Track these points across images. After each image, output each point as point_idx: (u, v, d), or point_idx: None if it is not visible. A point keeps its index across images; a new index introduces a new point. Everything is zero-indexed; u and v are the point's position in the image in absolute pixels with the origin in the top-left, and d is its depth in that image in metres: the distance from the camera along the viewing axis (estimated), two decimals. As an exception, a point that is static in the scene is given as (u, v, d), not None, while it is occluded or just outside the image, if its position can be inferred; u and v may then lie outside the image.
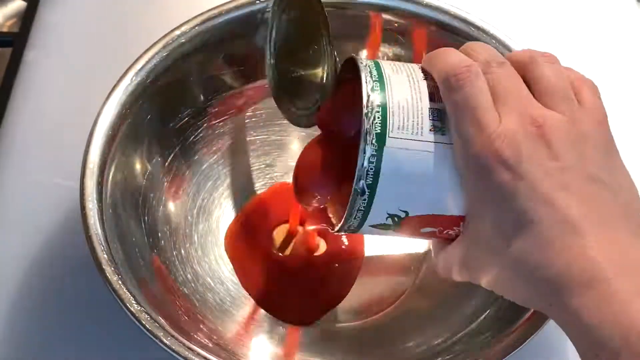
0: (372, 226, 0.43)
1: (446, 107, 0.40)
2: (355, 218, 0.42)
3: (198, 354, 0.43)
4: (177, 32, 0.54)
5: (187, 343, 0.43)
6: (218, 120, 0.58)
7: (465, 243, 0.41)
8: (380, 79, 0.41)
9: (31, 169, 0.60)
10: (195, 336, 0.47)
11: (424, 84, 0.41)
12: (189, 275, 0.54)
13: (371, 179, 0.40)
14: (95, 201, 0.47)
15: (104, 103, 0.51)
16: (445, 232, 0.42)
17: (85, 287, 0.51)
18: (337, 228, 0.44)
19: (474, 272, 0.41)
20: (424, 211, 0.41)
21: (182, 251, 0.55)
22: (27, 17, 0.67)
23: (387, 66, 0.42)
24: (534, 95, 0.40)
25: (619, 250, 0.36)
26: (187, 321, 0.50)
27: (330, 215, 0.46)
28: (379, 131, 0.40)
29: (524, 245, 0.37)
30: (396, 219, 0.42)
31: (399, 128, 0.40)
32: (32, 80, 0.64)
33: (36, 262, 0.55)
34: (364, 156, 0.40)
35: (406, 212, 0.41)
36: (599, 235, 0.36)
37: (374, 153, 0.40)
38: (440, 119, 0.40)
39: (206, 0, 0.57)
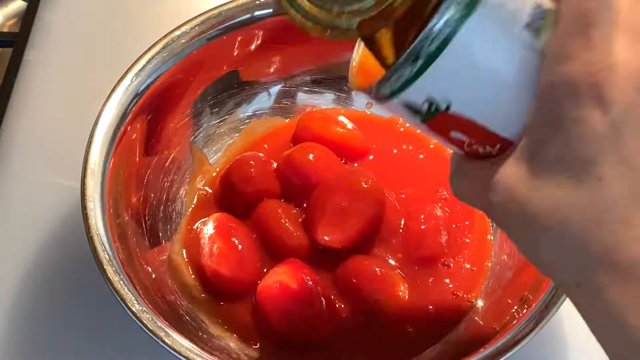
0: (404, 104, 0.36)
1: (559, 7, 0.33)
2: (396, 81, 0.35)
3: (198, 354, 0.43)
4: (177, 32, 0.54)
5: (187, 343, 0.44)
6: (218, 121, 0.59)
7: (514, 166, 0.34)
8: None
9: (32, 169, 0.60)
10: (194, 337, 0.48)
11: None
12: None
13: (436, 46, 0.34)
14: (97, 201, 0.47)
15: (105, 103, 0.51)
16: (474, 146, 0.36)
17: (87, 286, 0.52)
18: (372, 88, 0.36)
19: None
20: (470, 113, 0.35)
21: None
22: (28, 18, 0.67)
23: None
24: None
25: None
26: (188, 321, 0.50)
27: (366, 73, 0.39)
28: None
29: (578, 201, 0.30)
30: (433, 108, 0.36)
31: (494, 6, 0.33)
32: (32, 80, 0.64)
33: (37, 261, 0.55)
34: (443, 17, 0.33)
35: (449, 105, 0.35)
36: None
37: (456, 17, 0.33)
38: (542, 17, 0.33)
39: (206, 0, 0.58)
